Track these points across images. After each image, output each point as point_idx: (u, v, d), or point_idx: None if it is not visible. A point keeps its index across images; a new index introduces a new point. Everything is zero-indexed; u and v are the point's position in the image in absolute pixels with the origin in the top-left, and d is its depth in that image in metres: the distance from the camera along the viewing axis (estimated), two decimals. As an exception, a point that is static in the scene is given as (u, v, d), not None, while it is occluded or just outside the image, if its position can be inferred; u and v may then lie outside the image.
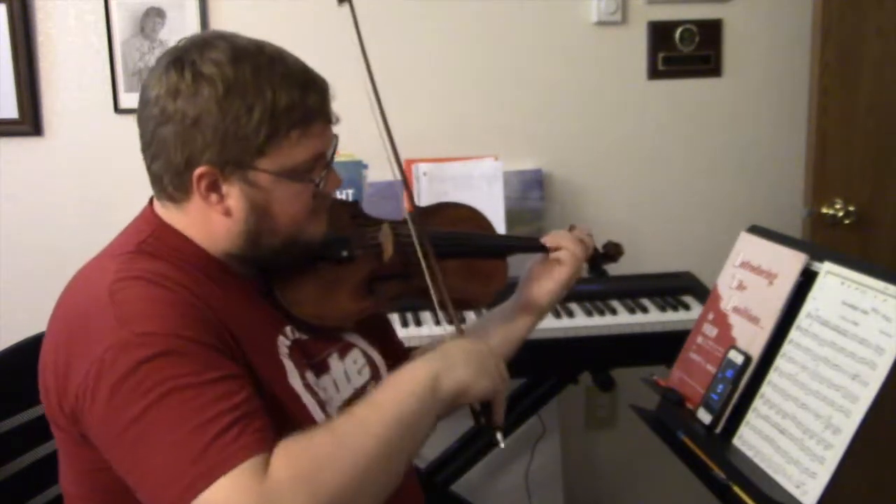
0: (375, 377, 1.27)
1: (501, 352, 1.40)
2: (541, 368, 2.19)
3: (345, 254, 1.26)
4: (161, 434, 0.92)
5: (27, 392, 1.38)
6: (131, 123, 2.51)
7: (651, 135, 2.51)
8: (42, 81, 2.32)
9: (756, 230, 1.44)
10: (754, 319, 1.33)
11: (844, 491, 1.18)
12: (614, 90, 2.48)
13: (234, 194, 1.09)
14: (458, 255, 1.38)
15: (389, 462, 0.99)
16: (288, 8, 2.33)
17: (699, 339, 1.43)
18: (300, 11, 2.33)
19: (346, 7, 1.25)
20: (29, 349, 1.42)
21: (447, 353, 1.11)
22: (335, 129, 1.18)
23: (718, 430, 1.30)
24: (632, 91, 2.48)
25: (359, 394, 1.22)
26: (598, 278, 1.57)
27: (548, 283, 1.44)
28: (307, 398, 1.12)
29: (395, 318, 2.04)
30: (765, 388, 1.26)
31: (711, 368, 1.36)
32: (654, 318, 2.08)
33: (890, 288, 1.14)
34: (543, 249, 1.46)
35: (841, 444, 1.11)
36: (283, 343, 1.15)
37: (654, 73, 2.47)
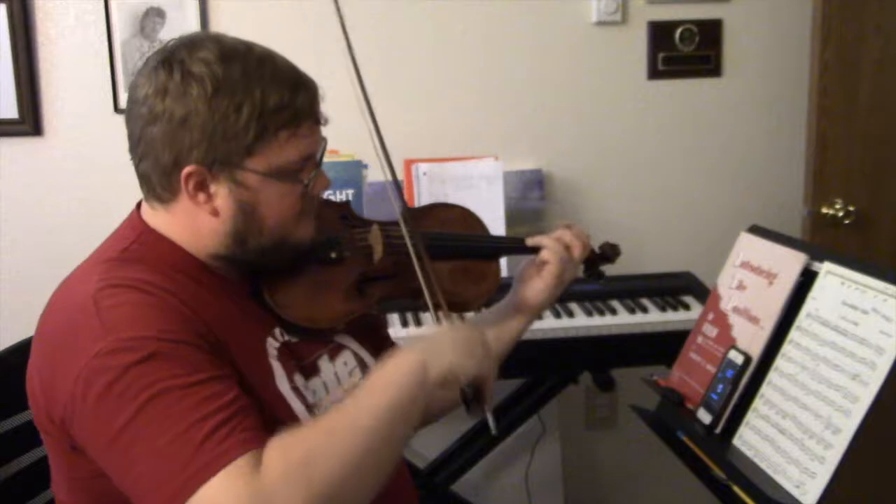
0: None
1: (495, 352, 1.41)
2: (541, 368, 2.19)
3: (334, 255, 1.25)
4: (152, 436, 0.92)
5: (25, 393, 1.38)
6: (131, 123, 2.48)
7: (651, 135, 2.51)
8: (42, 81, 2.32)
9: (756, 230, 1.44)
10: (754, 319, 1.33)
11: (844, 491, 1.17)
12: (614, 90, 2.48)
13: (221, 194, 1.09)
14: (449, 257, 1.38)
15: (381, 452, 0.99)
16: (287, 8, 2.33)
17: (699, 339, 1.43)
18: (300, 12, 2.32)
19: (344, 6, 1.25)
20: (30, 349, 1.43)
21: (433, 340, 1.11)
22: (325, 131, 1.17)
23: (718, 430, 1.30)
24: (632, 91, 2.48)
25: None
26: (596, 280, 1.57)
27: (537, 283, 1.44)
28: (294, 401, 1.12)
29: (394, 318, 2.04)
30: (765, 388, 1.26)
31: (711, 368, 1.36)
32: (654, 318, 2.08)
33: (890, 288, 1.14)
34: (529, 251, 1.46)
35: (841, 444, 1.11)
36: (272, 345, 1.15)
37: (654, 73, 2.47)
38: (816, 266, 1.27)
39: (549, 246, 1.43)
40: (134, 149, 1.11)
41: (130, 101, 1.10)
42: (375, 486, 0.98)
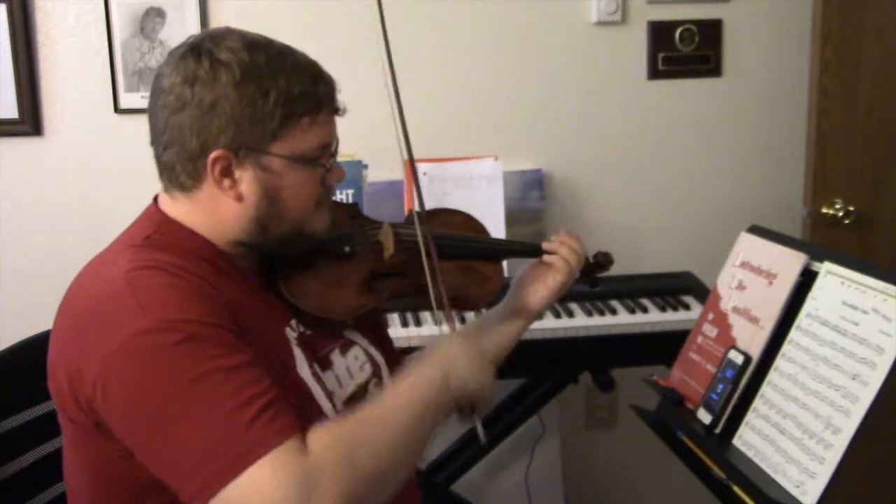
0: (376, 374, 1.29)
1: (494, 353, 1.43)
2: (541, 368, 2.19)
3: (347, 249, 1.30)
4: (197, 416, 0.95)
5: (28, 391, 1.38)
6: (131, 123, 2.52)
7: (651, 135, 2.51)
8: (42, 81, 2.32)
9: (756, 230, 1.44)
10: (754, 319, 1.33)
11: (844, 491, 1.18)
12: (614, 90, 2.48)
13: (246, 179, 1.11)
14: (457, 257, 1.41)
15: (413, 448, 1.06)
16: (287, 8, 2.33)
17: (699, 339, 1.43)
18: (300, 12, 2.33)
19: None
20: (30, 349, 1.43)
21: (450, 354, 1.17)
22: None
23: (718, 430, 1.30)
24: (632, 91, 2.48)
25: (361, 390, 1.24)
26: (591, 287, 1.60)
27: (541, 289, 1.46)
28: (315, 387, 1.15)
29: (394, 319, 2.04)
30: (765, 388, 1.27)
31: (711, 368, 1.36)
32: (654, 318, 2.08)
33: (890, 288, 1.14)
34: (538, 253, 1.48)
35: (841, 444, 1.11)
36: (291, 334, 1.18)
37: (654, 73, 2.47)
38: (816, 266, 1.27)
39: (564, 255, 1.46)
40: (157, 139, 1.13)
41: (154, 91, 1.12)
42: (400, 482, 1.04)
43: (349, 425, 1.01)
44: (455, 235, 1.44)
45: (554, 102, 2.46)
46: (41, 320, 1.49)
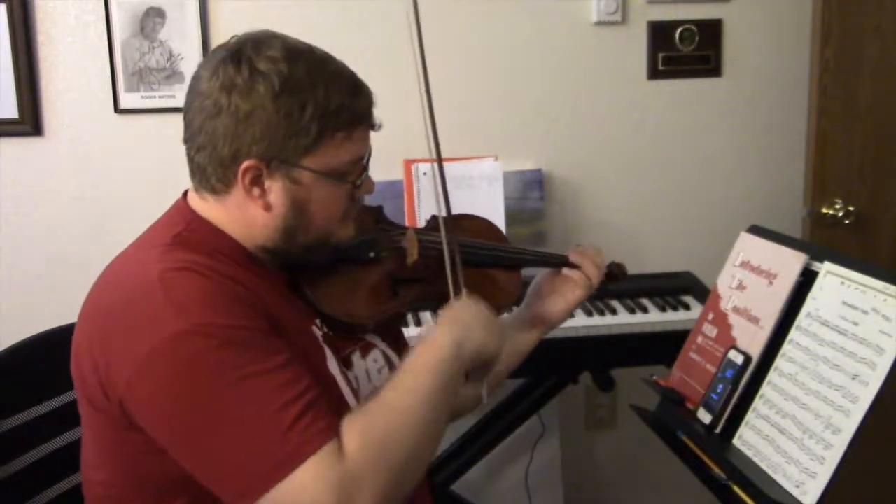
0: None
1: (507, 363, 1.42)
2: (541, 368, 2.19)
3: (371, 255, 1.29)
4: (237, 421, 0.95)
5: (29, 391, 1.39)
6: (131, 123, 2.52)
7: (651, 135, 2.51)
8: (42, 81, 2.32)
9: (756, 230, 1.44)
10: (754, 319, 1.33)
11: (844, 491, 1.18)
12: (614, 90, 2.48)
13: (276, 189, 1.11)
14: (480, 265, 1.41)
15: (437, 427, 1.06)
16: (287, 8, 2.33)
17: (699, 339, 1.43)
18: (300, 12, 2.33)
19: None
20: (31, 348, 1.43)
21: (462, 319, 1.16)
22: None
23: (718, 430, 1.30)
24: (632, 91, 2.48)
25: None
26: (600, 298, 1.59)
27: (560, 302, 1.46)
28: (343, 384, 1.16)
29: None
30: (765, 388, 1.27)
31: (711, 368, 1.36)
32: (654, 318, 2.08)
33: (890, 288, 1.14)
34: (562, 265, 1.48)
35: (841, 444, 1.11)
36: (317, 332, 1.18)
37: (654, 73, 2.47)
38: (816, 266, 1.27)
39: (587, 271, 1.46)
40: (192, 139, 1.13)
41: (192, 92, 1.12)
42: (430, 459, 1.07)
43: (376, 416, 1.01)
44: (480, 244, 1.44)
45: (554, 102, 2.46)
46: (41, 320, 1.49)
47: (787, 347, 1.26)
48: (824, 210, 2.31)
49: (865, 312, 1.16)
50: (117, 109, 2.33)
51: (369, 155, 1.19)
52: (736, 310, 1.38)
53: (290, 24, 2.41)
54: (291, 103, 1.07)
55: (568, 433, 2.58)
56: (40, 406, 1.40)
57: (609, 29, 2.44)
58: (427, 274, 1.33)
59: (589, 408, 2.65)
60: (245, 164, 1.09)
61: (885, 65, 2.29)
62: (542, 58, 2.44)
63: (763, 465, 1.20)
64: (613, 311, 2.10)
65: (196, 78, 1.12)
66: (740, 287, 1.39)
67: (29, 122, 2.31)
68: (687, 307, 2.11)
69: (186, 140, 1.14)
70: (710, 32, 2.46)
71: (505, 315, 1.53)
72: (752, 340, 1.31)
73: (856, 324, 1.16)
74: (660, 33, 2.44)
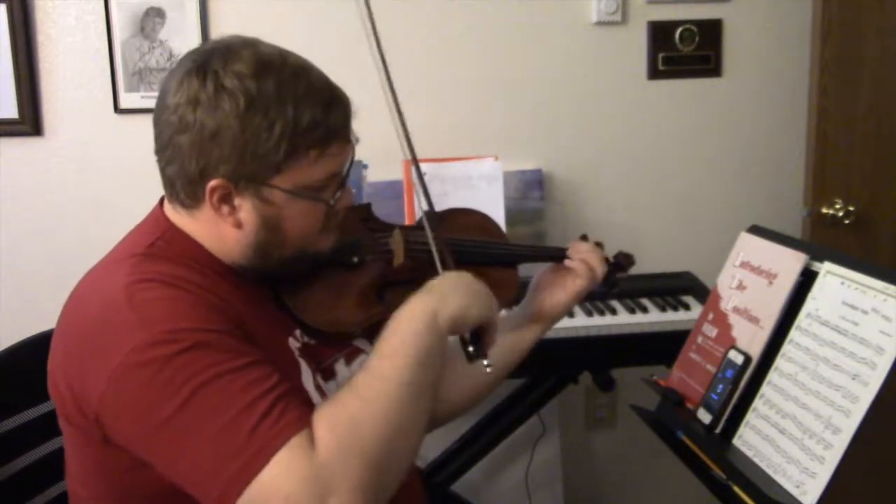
0: None
1: (508, 360, 1.41)
2: (541, 368, 2.19)
3: (355, 260, 1.25)
4: (205, 423, 0.93)
5: (28, 391, 1.39)
6: (131, 123, 2.52)
7: (651, 135, 2.51)
8: (42, 81, 2.32)
9: (756, 230, 1.44)
10: (754, 319, 1.33)
11: (844, 491, 1.17)
12: (614, 90, 2.48)
13: (245, 208, 1.09)
14: (472, 263, 1.35)
15: (416, 405, 1.00)
16: (288, 8, 2.33)
17: (699, 339, 1.43)
18: (299, 12, 2.33)
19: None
20: (30, 348, 1.43)
21: (438, 288, 1.10)
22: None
23: (718, 430, 1.30)
24: (632, 91, 2.48)
25: None
26: (610, 290, 1.52)
27: (561, 294, 1.43)
28: (317, 400, 1.12)
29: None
30: (765, 388, 1.26)
31: (711, 368, 1.36)
32: (654, 318, 2.08)
33: (890, 288, 1.14)
34: (560, 258, 1.44)
35: (841, 444, 1.11)
36: (294, 345, 1.16)
37: (654, 73, 2.47)
38: (816, 266, 1.27)
39: (591, 261, 1.42)
40: (161, 151, 1.10)
41: (159, 104, 1.09)
42: (417, 443, 1.02)
43: (345, 404, 0.97)
44: (469, 241, 1.39)
45: (554, 102, 2.46)
46: (41, 320, 1.49)
47: (787, 347, 1.26)
48: (824, 210, 2.31)
49: (865, 312, 1.15)
50: (117, 109, 2.33)
51: (350, 166, 1.15)
52: (736, 310, 1.38)
53: (290, 24, 2.43)
54: (258, 122, 1.03)
55: (568, 433, 2.58)
56: (40, 406, 1.40)
57: (609, 29, 2.44)
58: (415, 276, 1.27)
59: (589, 408, 2.65)
60: (212, 183, 1.06)
61: (885, 65, 2.29)
62: (542, 58, 2.44)
63: (763, 465, 1.20)
64: (613, 311, 2.10)
65: (163, 90, 1.09)
66: (740, 287, 1.39)
67: (29, 122, 2.31)
68: (687, 307, 2.11)
69: (157, 151, 1.11)
70: (710, 32, 2.46)
71: (504, 312, 1.51)
72: (752, 340, 1.31)
73: (856, 324, 1.16)
74: (660, 33, 2.44)
